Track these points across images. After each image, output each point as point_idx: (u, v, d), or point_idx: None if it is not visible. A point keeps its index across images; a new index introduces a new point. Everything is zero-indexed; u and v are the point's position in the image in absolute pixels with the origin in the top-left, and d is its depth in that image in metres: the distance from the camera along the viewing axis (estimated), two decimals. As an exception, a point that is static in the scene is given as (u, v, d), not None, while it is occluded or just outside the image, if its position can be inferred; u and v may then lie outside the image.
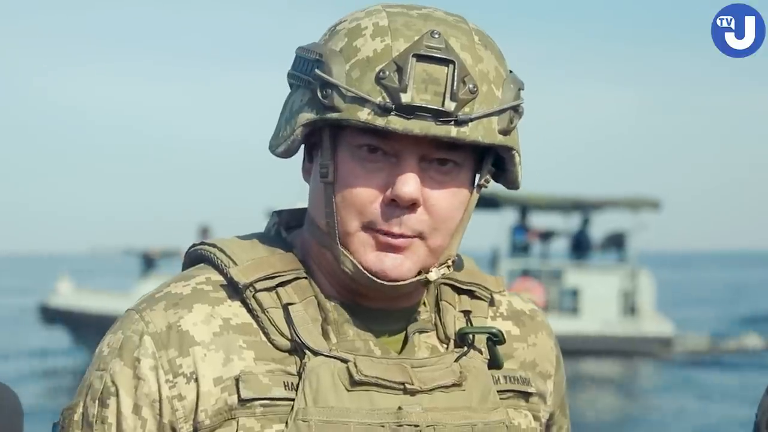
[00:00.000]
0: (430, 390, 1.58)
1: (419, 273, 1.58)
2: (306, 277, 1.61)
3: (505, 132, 1.56)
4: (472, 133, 1.52)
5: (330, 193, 1.56)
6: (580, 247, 23.65)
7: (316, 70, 1.54)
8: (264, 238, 1.67)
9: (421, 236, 1.56)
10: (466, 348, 1.64)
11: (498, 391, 1.65)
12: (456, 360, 1.62)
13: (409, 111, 1.50)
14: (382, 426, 1.55)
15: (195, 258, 1.68)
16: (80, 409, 1.58)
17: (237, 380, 1.54)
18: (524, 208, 23.50)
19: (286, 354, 1.57)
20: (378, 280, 1.56)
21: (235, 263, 1.61)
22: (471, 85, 1.52)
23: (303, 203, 1.68)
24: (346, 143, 1.55)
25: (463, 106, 1.52)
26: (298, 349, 1.57)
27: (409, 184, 1.53)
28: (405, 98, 1.50)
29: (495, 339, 1.64)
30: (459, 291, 1.69)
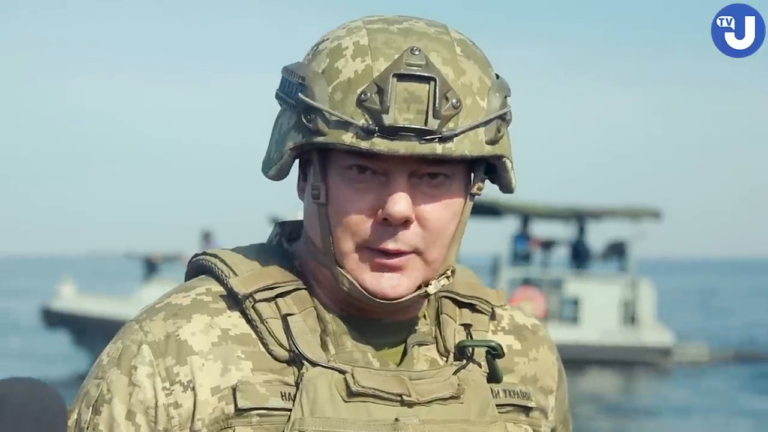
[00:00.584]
0: (428, 402, 1.58)
1: (419, 287, 1.58)
2: (305, 288, 1.61)
3: (492, 142, 1.55)
4: (458, 147, 1.52)
5: (324, 214, 1.56)
6: (578, 256, 23.64)
7: (300, 94, 1.54)
8: (265, 249, 1.67)
9: (417, 251, 1.56)
10: (464, 361, 1.63)
11: (497, 405, 1.64)
12: (454, 373, 1.61)
13: (393, 132, 1.49)
14: (379, 437, 1.55)
15: (197, 268, 1.69)
16: (74, 416, 1.59)
17: (234, 390, 1.55)
18: (526, 216, 23.48)
19: (285, 365, 1.57)
20: (377, 300, 1.56)
21: (235, 274, 1.61)
22: (454, 100, 1.51)
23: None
24: (336, 164, 1.55)
25: (447, 122, 1.51)
26: (296, 359, 1.57)
27: (399, 204, 1.53)
28: (387, 120, 1.49)
29: (494, 353, 1.64)
30: (460, 304, 1.69)
